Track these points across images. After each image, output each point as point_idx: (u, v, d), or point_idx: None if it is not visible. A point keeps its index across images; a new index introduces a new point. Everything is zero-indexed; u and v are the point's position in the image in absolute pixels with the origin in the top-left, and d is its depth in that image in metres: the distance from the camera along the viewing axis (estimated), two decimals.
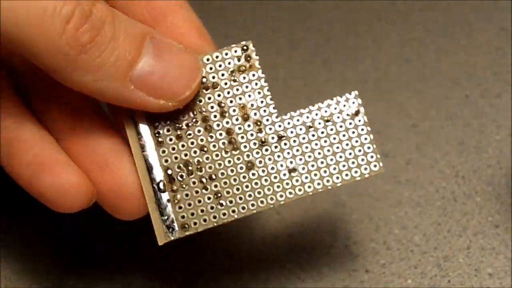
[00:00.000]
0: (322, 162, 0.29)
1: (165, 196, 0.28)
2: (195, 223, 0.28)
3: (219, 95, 0.29)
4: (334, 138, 0.29)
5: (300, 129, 0.29)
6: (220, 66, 0.29)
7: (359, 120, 0.29)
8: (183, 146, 0.28)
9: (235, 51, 0.29)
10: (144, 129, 0.28)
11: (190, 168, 0.28)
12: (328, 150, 0.29)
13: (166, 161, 0.28)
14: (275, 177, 0.29)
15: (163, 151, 0.28)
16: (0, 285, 0.34)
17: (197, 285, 0.34)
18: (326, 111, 0.29)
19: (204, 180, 0.28)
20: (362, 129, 0.29)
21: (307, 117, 0.29)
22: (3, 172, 0.29)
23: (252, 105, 0.29)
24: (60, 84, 0.27)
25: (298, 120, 0.29)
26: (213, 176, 0.28)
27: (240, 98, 0.29)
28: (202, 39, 0.30)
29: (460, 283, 0.34)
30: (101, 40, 0.25)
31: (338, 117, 0.29)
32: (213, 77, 0.29)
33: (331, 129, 0.29)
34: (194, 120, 0.29)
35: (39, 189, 0.28)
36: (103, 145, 0.28)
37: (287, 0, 0.44)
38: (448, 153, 0.37)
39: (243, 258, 0.35)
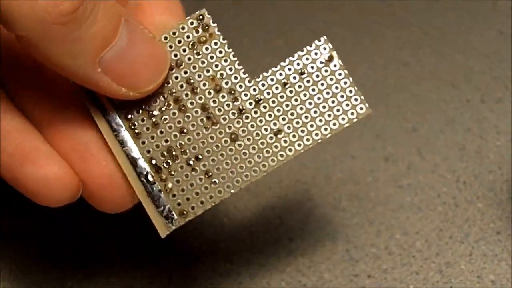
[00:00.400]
0: (306, 117, 0.28)
1: (156, 188, 0.27)
2: (192, 208, 0.27)
3: (185, 72, 0.27)
4: (313, 90, 0.28)
5: (276, 88, 0.28)
6: (179, 42, 0.27)
7: (334, 65, 0.28)
8: (161, 132, 0.27)
9: (191, 23, 0.27)
10: (117, 123, 0.27)
11: (174, 153, 0.27)
12: (310, 103, 0.28)
13: (148, 151, 0.27)
14: (262, 143, 0.28)
15: (143, 142, 0.27)
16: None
17: None
18: (298, 64, 0.28)
19: (191, 162, 0.27)
20: (340, 74, 0.28)
21: (281, 74, 0.28)
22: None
23: (221, 74, 0.27)
24: (39, 74, 0.25)
25: (272, 80, 0.28)
26: (199, 156, 0.27)
27: (208, 70, 0.27)
28: (173, 15, 0.28)
29: None
30: (81, 12, 0.24)
31: (312, 67, 0.28)
32: (175, 55, 0.27)
33: (308, 81, 0.28)
34: (166, 103, 0.27)
35: (23, 181, 0.27)
36: (85, 136, 0.27)
37: (284, 1, 0.43)
38: (449, 158, 0.37)
39: (243, 262, 0.34)
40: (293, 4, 0.43)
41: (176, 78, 0.27)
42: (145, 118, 0.27)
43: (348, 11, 0.43)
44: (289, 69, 0.28)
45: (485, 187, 0.36)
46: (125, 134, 0.27)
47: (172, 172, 0.27)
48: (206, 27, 0.28)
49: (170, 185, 0.27)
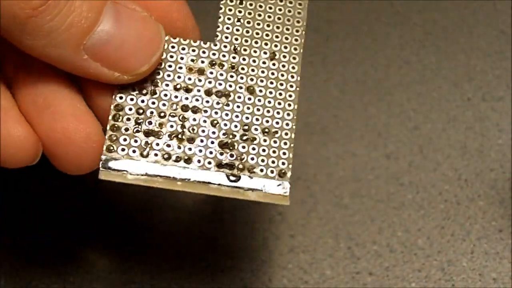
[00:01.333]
0: None
1: (245, 178, 0.27)
2: (283, 163, 0.27)
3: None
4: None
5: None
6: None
7: None
8: (214, 124, 0.27)
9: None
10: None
11: (229, 140, 0.27)
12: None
13: (210, 162, 0.27)
14: (273, 81, 0.28)
15: (198, 160, 0.27)
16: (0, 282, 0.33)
17: (198, 286, 0.33)
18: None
19: (245, 136, 0.27)
20: None
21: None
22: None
23: (192, 60, 0.28)
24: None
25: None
26: (246, 127, 0.27)
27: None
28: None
29: (464, 287, 0.33)
30: (54, 3, 0.23)
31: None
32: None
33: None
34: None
35: None
36: (44, 88, 0.26)
37: None
38: (451, 156, 0.37)
39: (245, 258, 0.34)
40: None
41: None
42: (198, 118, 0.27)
43: (350, 10, 0.43)
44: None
45: (487, 185, 0.36)
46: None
47: (242, 156, 0.27)
48: None
49: (250, 166, 0.27)
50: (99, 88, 0.26)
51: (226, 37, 0.28)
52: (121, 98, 0.27)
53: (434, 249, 0.34)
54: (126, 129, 0.26)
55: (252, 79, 0.27)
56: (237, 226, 0.35)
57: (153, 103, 0.27)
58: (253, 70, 0.27)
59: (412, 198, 0.36)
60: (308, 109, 0.39)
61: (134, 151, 0.26)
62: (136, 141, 0.26)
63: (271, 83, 0.27)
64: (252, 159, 0.27)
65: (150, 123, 0.27)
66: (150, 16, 0.26)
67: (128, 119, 0.27)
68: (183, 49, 0.27)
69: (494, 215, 0.35)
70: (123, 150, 0.26)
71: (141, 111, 0.27)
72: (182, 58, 0.27)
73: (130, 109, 0.27)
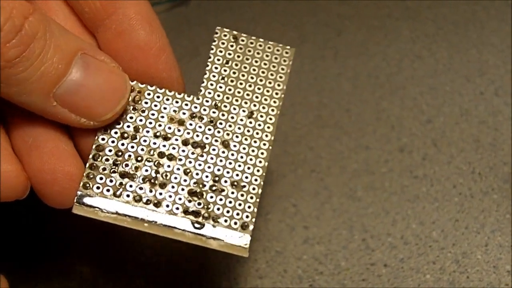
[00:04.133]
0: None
1: (208, 227, 0.28)
2: (247, 216, 0.28)
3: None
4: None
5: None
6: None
7: None
8: (176, 178, 0.28)
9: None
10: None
11: (197, 190, 0.28)
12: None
13: (178, 208, 0.28)
14: (246, 131, 0.29)
15: (167, 205, 0.28)
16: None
17: (211, 275, 0.33)
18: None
19: (214, 187, 0.28)
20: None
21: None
22: None
23: (174, 111, 0.29)
24: None
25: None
26: (216, 178, 0.28)
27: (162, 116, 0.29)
28: (154, 33, 0.28)
29: (479, 279, 0.33)
30: (28, 55, 0.25)
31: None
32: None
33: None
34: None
35: None
36: (33, 130, 0.27)
37: None
38: (464, 150, 0.37)
39: (260, 249, 0.34)
40: None
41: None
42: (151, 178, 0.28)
43: (362, 5, 0.43)
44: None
45: (500, 178, 0.36)
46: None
47: (209, 206, 0.28)
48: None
49: (215, 216, 0.28)
50: (83, 129, 0.28)
51: (209, 93, 0.29)
52: (103, 139, 0.28)
53: (449, 242, 0.34)
54: (104, 169, 0.28)
55: (228, 134, 0.28)
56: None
57: (132, 147, 0.28)
58: (230, 126, 0.28)
59: (426, 191, 0.36)
60: (321, 103, 0.39)
61: (108, 190, 0.27)
62: (111, 181, 0.27)
63: (246, 139, 0.28)
64: (218, 209, 0.28)
65: (126, 165, 0.28)
66: (117, 67, 0.27)
67: (107, 160, 0.28)
68: (167, 99, 0.28)
69: (508, 208, 0.35)
70: (98, 188, 0.27)
71: (120, 153, 0.28)
72: (165, 108, 0.28)
73: (110, 151, 0.28)
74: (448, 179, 0.36)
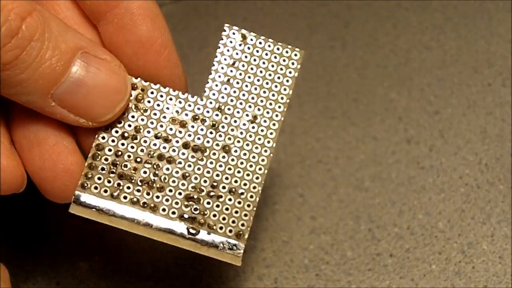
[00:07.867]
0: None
1: (203, 234, 0.28)
2: (242, 224, 0.28)
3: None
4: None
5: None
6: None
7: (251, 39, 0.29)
8: (174, 182, 0.28)
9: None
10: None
11: (194, 196, 0.28)
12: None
13: (174, 212, 0.28)
14: (249, 136, 0.28)
15: (163, 209, 0.28)
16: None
17: (219, 263, 0.34)
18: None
19: (212, 193, 0.28)
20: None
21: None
22: None
23: (177, 112, 0.28)
24: None
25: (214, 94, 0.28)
26: (214, 184, 0.28)
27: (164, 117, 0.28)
28: (156, 29, 0.28)
29: (484, 269, 0.34)
30: (25, 58, 0.25)
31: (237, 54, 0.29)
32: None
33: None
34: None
35: None
36: (38, 126, 0.28)
37: None
38: (471, 141, 0.37)
39: (267, 239, 0.34)
40: None
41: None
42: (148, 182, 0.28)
43: None
44: (219, 77, 0.28)
45: (507, 169, 0.36)
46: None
47: (205, 212, 0.28)
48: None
49: (211, 222, 0.28)
50: (85, 128, 0.28)
51: (214, 94, 0.28)
52: (103, 138, 0.28)
53: (455, 232, 0.35)
54: (102, 169, 0.28)
55: (230, 139, 0.28)
56: (259, 207, 0.35)
57: (132, 147, 0.28)
58: (232, 130, 0.28)
59: (432, 181, 0.36)
60: (329, 94, 0.39)
61: (105, 191, 0.27)
62: (109, 181, 0.28)
63: (247, 145, 0.28)
64: (214, 215, 0.28)
65: (125, 166, 0.28)
66: (119, 66, 0.27)
67: (106, 159, 0.28)
68: (171, 99, 0.28)
69: None
70: (95, 188, 0.27)
71: (119, 153, 0.28)
72: (168, 108, 0.28)
73: (110, 150, 0.28)
74: (455, 170, 0.36)
